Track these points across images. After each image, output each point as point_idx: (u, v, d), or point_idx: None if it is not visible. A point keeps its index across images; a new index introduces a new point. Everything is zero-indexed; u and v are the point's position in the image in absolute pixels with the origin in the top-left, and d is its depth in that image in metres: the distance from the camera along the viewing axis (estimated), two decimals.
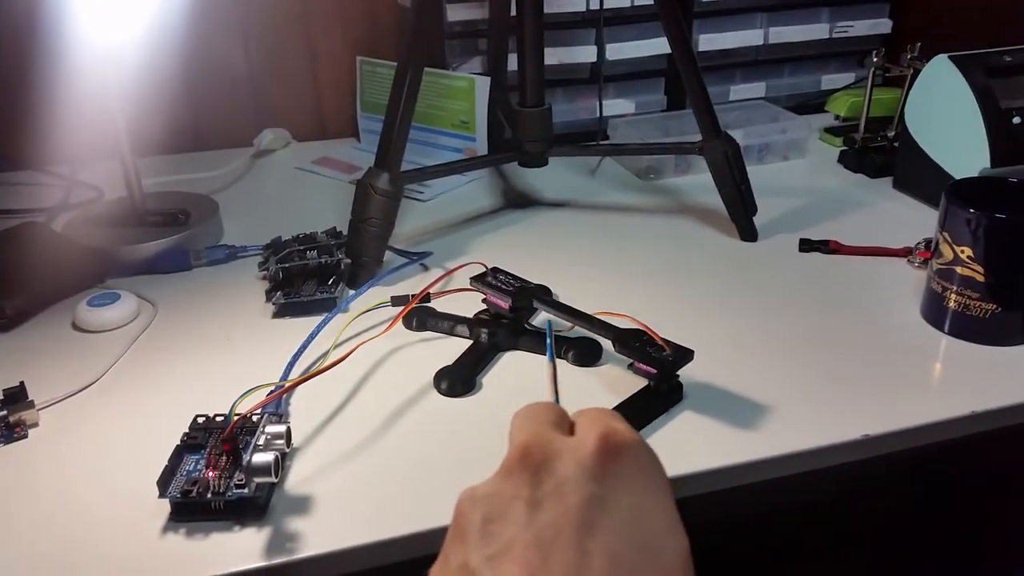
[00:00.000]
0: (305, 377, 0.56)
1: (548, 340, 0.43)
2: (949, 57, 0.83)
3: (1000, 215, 0.61)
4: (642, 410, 0.57)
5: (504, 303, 0.64)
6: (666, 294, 0.72)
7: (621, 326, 0.60)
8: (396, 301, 0.68)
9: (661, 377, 0.57)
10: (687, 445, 0.54)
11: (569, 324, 0.63)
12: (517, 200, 0.94)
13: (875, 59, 0.94)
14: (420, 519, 0.48)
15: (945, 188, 0.65)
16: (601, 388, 0.60)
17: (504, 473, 0.31)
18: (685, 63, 0.77)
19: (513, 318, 0.66)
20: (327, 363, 0.56)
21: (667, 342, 0.58)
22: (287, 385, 0.56)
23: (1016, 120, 0.81)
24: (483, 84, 0.98)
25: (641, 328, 0.59)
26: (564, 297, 0.71)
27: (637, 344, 0.58)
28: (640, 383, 0.59)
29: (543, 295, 0.66)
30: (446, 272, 0.74)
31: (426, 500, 0.50)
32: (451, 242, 0.83)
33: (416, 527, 0.48)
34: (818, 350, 0.64)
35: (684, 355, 0.57)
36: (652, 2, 0.76)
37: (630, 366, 0.60)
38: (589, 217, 0.89)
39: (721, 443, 0.54)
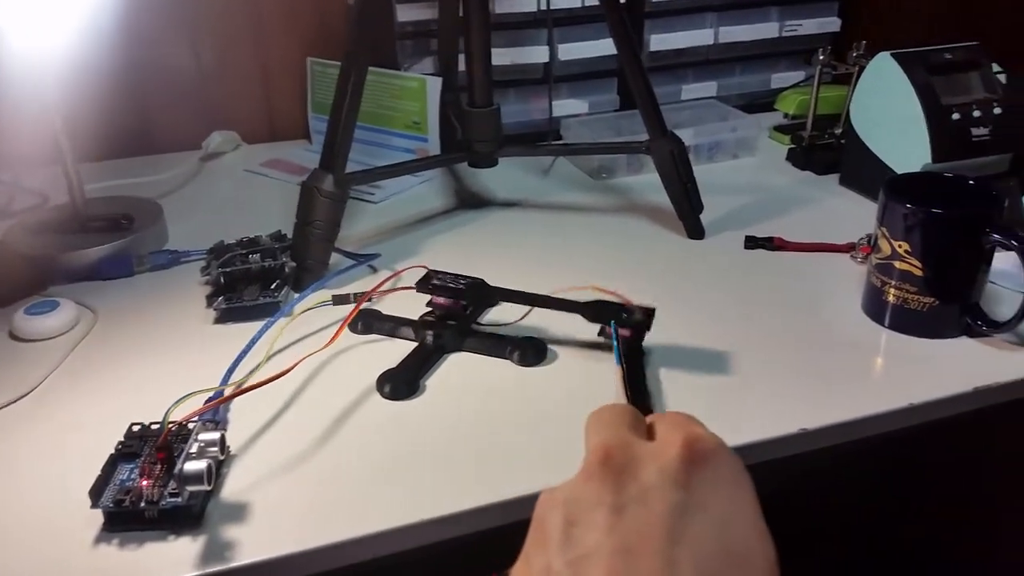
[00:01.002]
0: (243, 389, 0.55)
1: (615, 342, 0.43)
2: (891, 55, 0.85)
3: (936, 209, 0.62)
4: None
5: (454, 302, 0.64)
6: (614, 290, 0.72)
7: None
8: (337, 300, 0.67)
9: (636, 336, 0.59)
10: None
11: (520, 315, 0.63)
12: (470, 200, 0.94)
13: (821, 57, 0.95)
14: (359, 525, 0.48)
15: (883, 184, 0.65)
16: (549, 386, 0.60)
17: (585, 476, 0.30)
18: (630, 63, 0.77)
19: (460, 319, 0.66)
20: (270, 375, 0.55)
21: (632, 305, 0.60)
22: (225, 395, 0.55)
23: (956, 116, 0.82)
24: (434, 84, 0.98)
25: (606, 297, 0.59)
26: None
27: (605, 312, 0.60)
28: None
29: (494, 289, 0.66)
30: (393, 274, 0.73)
31: (366, 505, 0.49)
32: (402, 243, 0.83)
33: (354, 533, 0.47)
34: (761, 346, 0.64)
35: (650, 313, 0.60)
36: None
37: (600, 333, 0.61)
38: (541, 217, 0.89)
39: None
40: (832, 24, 1.15)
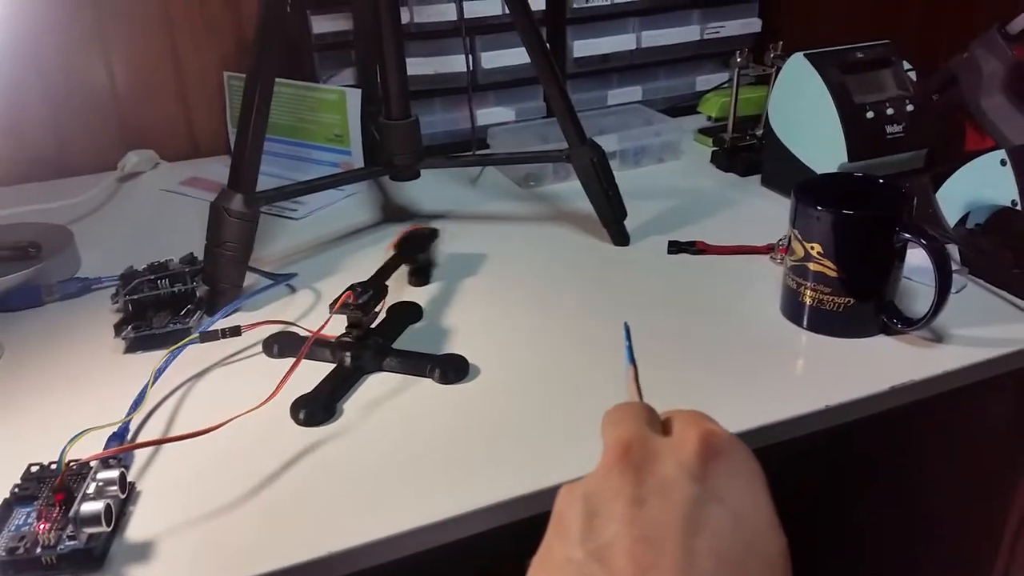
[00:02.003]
0: (158, 440, 0.53)
1: (627, 343, 0.43)
2: (805, 55, 0.86)
3: (846, 211, 0.62)
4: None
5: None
6: (536, 303, 0.72)
7: None
8: (204, 337, 0.65)
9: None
10: (544, 465, 0.53)
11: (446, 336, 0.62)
12: (396, 214, 0.93)
13: (739, 59, 0.96)
14: (271, 560, 0.46)
15: (793, 187, 0.66)
16: (471, 404, 0.59)
17: (605, 470, 0.31)
18: (544, 72, 0.77)
19: (379, 339, 0.65)
20: (195, 430, 0.52)
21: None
22: (132, 443, 0.53)
23: (870, 115, 0.83)
24: (354, 96, 0.97)
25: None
26: (437, 310, 0.71)
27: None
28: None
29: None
30: (329, 317, 0.72)
31: (281, 538, 0.48)
32: (325, 260, 0.81)
33: (269, 567, 0.46)
34: (682, 351, 0.64)
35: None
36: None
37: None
38: (468, 227, 0.88)
39: (582, 439, 0.53)
40: (753, 25, 1.17)
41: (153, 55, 1.05)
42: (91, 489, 0.46)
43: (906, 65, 0.89)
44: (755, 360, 0.63)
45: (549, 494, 0.50)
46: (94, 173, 1.03)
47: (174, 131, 1.09)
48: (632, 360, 0.42)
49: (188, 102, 1.09)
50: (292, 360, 0.64)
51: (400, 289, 0.75)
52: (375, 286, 0.65)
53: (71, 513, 0.44)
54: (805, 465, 0.72)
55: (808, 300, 0.66)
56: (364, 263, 0.80)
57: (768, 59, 0.97)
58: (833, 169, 0.83)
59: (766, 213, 0.88)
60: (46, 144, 1.03)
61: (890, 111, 0.84)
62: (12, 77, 0.98)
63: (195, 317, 0.67)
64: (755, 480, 0.32)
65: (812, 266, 0.64)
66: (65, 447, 0.48)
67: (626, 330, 0.47)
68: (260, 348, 0.66)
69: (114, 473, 0.47)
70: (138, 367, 0.64)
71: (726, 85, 1.13)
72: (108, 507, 0.44)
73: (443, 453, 0.54)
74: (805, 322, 0.67)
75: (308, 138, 1.01)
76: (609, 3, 1.07)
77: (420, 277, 0.76)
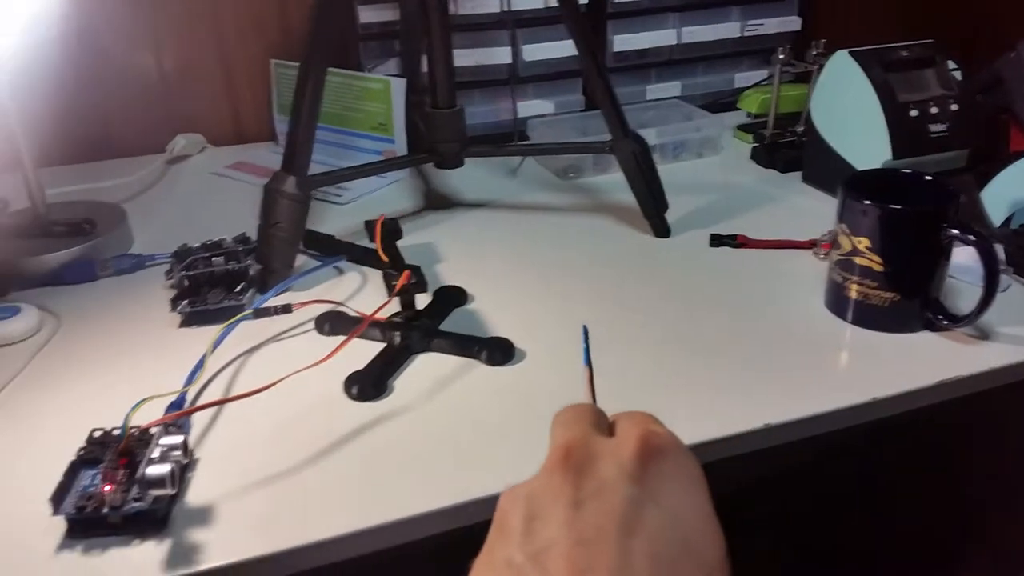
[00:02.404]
0: (219, 400, 0.55)
1: (584, 344, 0.43)
2: (849, 52, 0.86)
3: (894, 206, 0.63)
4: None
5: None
6: (581, 291, 0.73)
7: None
8: (258, 313, 0.66)
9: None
10: None
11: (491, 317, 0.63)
12: (437, 202, 0.94)
13: (781, 56, 0.96)
14: (325, 527, 0.47)
15: (842, 181, 0.66)
16: (516, 386, 0.60)
17: (547, 473, 0.32)
18: (590, 65, 0.78)
19: (427, 320, 0.66)
20: (253, 388, 0.54)
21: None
22: (200, 404, 0.55)
23: (914, 113, 0.83)
24: (399, 86, 0.98)
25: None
26: (480, 295, 0.72)
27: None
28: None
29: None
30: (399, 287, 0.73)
31: (333, 509, 0.49)
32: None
33: (322, 535, 0.47)
34: (725, 342, 0.65)
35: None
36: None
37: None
38: (509, 217, 0.89)
39: None
40: (793, 23, 1.17)
41: (201, 43, 1.07)
42: (156, 453, 0.47)
43: (951, 65, 0.89)
44: (800, 352, 0.64)
45: None
46: (142, 155, 1.05)
47: (220, 117, 1.11)
48: (588, 362, 0.42)
49: (234, 89, 1.10)
50: (342, 338, 0.65)
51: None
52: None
53: (138, 475, 0.46)
54: (846, 460, 0.72)
55: (854, 294, 0.66)
56: (407, 248, 0.81)
57: (810, 56, 0.97)
58: (877, 167, 0.83)
59: (807, 209, 0.88)
60: (97, 126, 1.06)
61: (934, 110, 0.85)
62: (67, 62, 1.00)
63: (248, 295, 0.69)
64: (695, 482, 0.32)
65: (859, 260, 0.65)
66: (129, 413, 0.50)
67: (584, 333, 0.47)
68: (310, 327, 0.68)
69: (178, 438, 0.48)
70: (192, 341, 0.65)
71: (766, 82, 1.14)
72: (173, 470, 0.45)
73: (489, 432, 0.55)
74: (850, 316, 0.67)
75: (352, 126, 1.02)
76: None
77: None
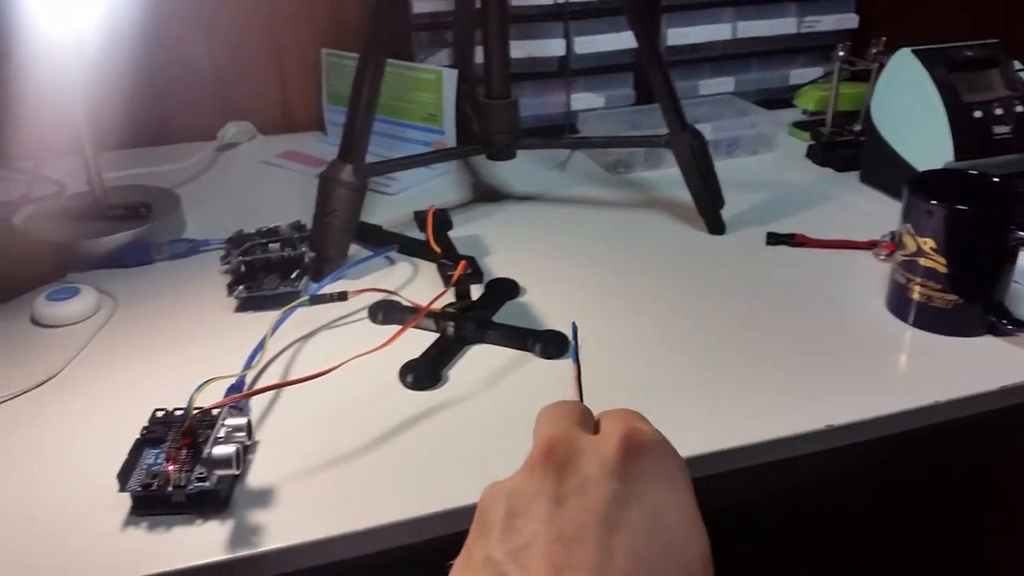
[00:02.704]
0: (280, 383, 0.55)
1: (573, 342, 0.43)
2: (912, 51, 0.84)
3: (961, 206, 0.61)
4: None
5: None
6: (634, 286, 0.72)
7: None
8: (314, 300, 0.67)
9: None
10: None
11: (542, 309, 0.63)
12: (486, 194, 0.94)
13: (840, 53, 0.95)
14: (383, 513, 0.48)
15: (907, 180, 0.65)
16: (569, 379, 0.60)
17: (528, 469, 0.31)
18: (650, 57, 0.77)
19: (481, 312, 0.66)
20: (313, 372, 0.54)
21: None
22: (257, 388, 0.55)
23: (978, 114, 0.82)
24: (450, 76, 0.98)
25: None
26: (531, 288, 0.72)
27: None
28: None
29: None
30: (454, 279, 0.73)
31: (389, 494, 0.49)
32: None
33: (378, 521, 0.47)
34: (784, 341, 0.64)
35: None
36: None
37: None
38: (559, 211, 0.89)
39: (684, 434, 0.54)
40: (850, 20, 1.15)
41: (254, 31, 1.08)
42: (221, 433, 0.48)
43: (1017, 65, 0.87)
44: (861, 354, 0.63)
45: None
46: (192, 142, 1.06)
47: (270, 105, 1.12)
48: (576, 359, 0.42)
49: (284, 78, 1.11)
50: (395, 327, 0.65)
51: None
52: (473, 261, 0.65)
53: (204, 455, 0.46)
54: (904, 465, 0.71)
55: (916, 296, 0.65)
56: (456, 240, 0.81)
57: (869, 55, 0.95)
58: (937, 167, 0.81)
59: (864, 209, 0.86)
60: (149, 114, 1.07)
61: (998, 111, 0.83)
62: (122, 50, 1.01)
63: (302, 282, 0.69)
64: (678, 479, 0.32)
65: (923, 261, 0.63)
66: (193, 394, 0.50)
67: (573, 330, 0.47)
68: (363, 315, 0.68)
69: (242, 420, 0.48)
70: (247, 325, 0.66)
71: (823, 79, 1.12)
72: (238, 451, 0.46)
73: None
74: (911, 318, 0.66)
75: (402, 117, 1.03)
76: None
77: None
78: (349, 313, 0.68)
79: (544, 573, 0.27)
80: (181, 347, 0.64)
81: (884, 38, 0.95)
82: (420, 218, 0.75)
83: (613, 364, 0.61)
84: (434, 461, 0.52)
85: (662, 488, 0.31)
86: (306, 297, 0.66)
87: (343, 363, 0.55)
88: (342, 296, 0.66)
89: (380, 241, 0.78)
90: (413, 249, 0.78)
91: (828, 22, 1.14)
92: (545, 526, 0.29)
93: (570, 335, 0.46)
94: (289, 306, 0.63)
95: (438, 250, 0.70)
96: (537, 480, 0.30)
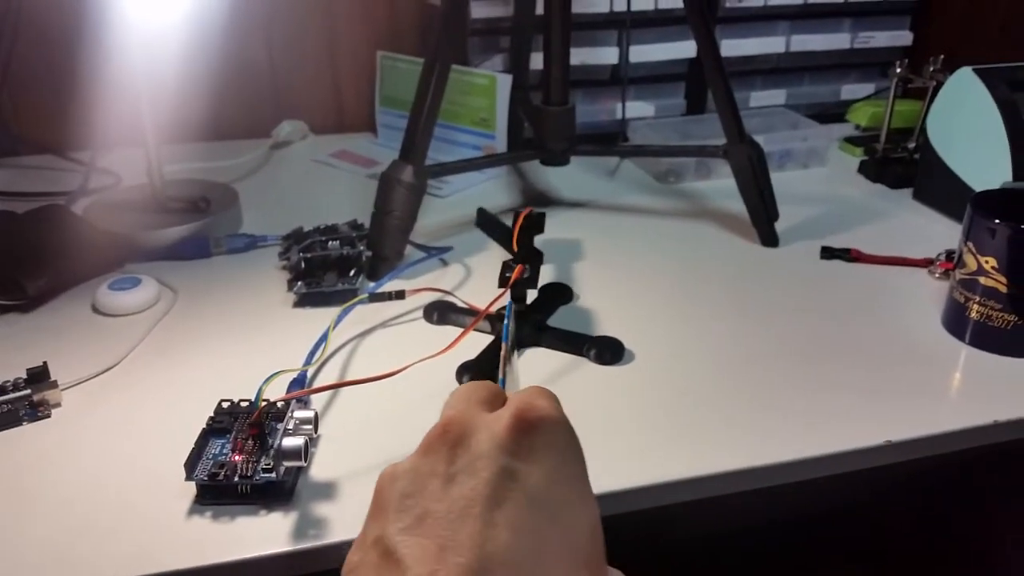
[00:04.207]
0: (349, 381, 0.55)
1: (506, 322, 0.44)
2: (973, 70, 0.83)
3: None
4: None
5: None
6: (685, 296, 0.72)
7: None
8: (373, 298, 0.67)
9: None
10: (703, 450, 0.54)
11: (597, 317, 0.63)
12: (535, 199, 0.94)
13: (898, 70, 0.94)
14: None
15: (970, 198, 0.65)
16: (625, 386, 0.60)
17: (423, 450, 0.32)
18: (712, 66, 0.77)
19: (536, 315, 0.66)
20: (380, 373, 0.54)
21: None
22: (322, 386, 0.56)
23: None
24: (504, 82, 0.98)
25: None
26: (583, 294, 0.72)
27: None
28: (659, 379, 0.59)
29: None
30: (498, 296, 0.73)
31: None
32: (470, 238, 0.83)
33: None
34: (840, 355, 0.64)
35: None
36: (674, 5, 0.76)
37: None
38: (609, 218, 0.89)
39: (738, 448, 0.54)
40: (904, 38, 1.14)
41: (311, 31, 1.09)
42: (290, 426, 0.48)
43: None
44: (917, 371, 0.62)
45: (699, 482, 0.51)
46: (245, 139, 1.08)
47: (323, 105, 1.13)
48: (506, 339, 0.42)
49: (338, 78, 1.13)
50: (449, 328, 0.66)
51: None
52: (533, 266, 0.66)
53: (274, 446, 0.47)
54: (959, 483, 0.70)
55: (975, 315, 0.64)
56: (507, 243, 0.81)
57: (927, 72, 0.95)
58: (994, 187, 0.80)
59: (918, 227, 0.86)
60: (204, 109, 1.08)
61: None
62: (183, 47, 1.02)
63: (360, 279, 0.70)
64: (568, 454, 0.32)
65: (984, 280, 0.63)
66: (262, 386, 0.51)
67: (508, 309, 0.47)
68: (417, 315, 0.68)
69: (309, 413, 0.49)
70: (305, 321, 0.67)
71: (876, 95, 1.11)
72: (306, 443, 0.46)
73: (597, 431, 0.55)
74: (968, 337, 0.65)
75: (453, 120, 1.03)
76: (761, 4, 1.06)
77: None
78: (404, 312, 0.69)
79: (430, 550, 0.28)
80: (240, 340, 0.65)
81: (942, 56, 0.95)
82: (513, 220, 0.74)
83: (664, 373, 0.61)
84: None
85: (552, 463, 0.31)
86: (365, 295, 0.66)
87: (409, 366, 0.55)
88: (400, 295, 0.67)
89: (498, 233, 0.79)
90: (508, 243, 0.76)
91: (882, 39, 1.13)
92: (435, 504, 0.29)
93: (506, 318, 0.47)
94: (350, 303, 0.64)
95: (515, 249, 0.70)
96: (431, 460, 0.31)
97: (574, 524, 0.30)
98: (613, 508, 0.50)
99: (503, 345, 0.41)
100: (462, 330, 0.66)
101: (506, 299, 0.65)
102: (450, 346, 0.57)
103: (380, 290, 0.68)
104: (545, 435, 0.32)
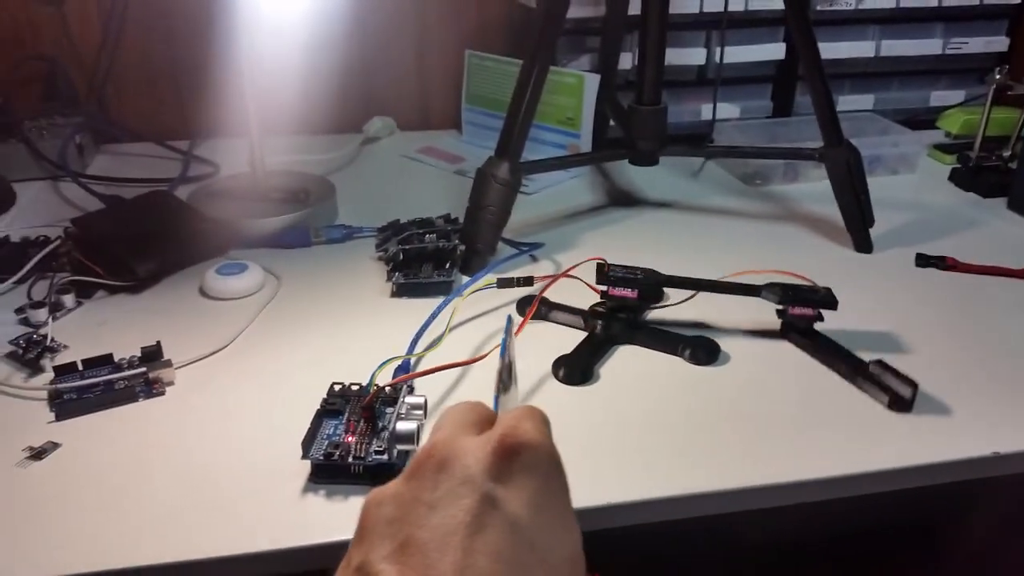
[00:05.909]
0: (454, 363, 0.57)
1: (504, 337, 0.44)
2: None
3: None
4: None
5: (630, 292, 0.65)
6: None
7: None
8: (501, 283, 0.69)
9: (817, 316, 0.64)
10: (811, 460, 0.54)
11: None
12: (620, 198, 0.95)
13: (998, 76, 0.93)
14: None
15: None
16: (720, 386, 0.61)
17: (409, 474, 0.32)
18: (812, 69, 0.77)
19: (629, 312, 0.67)
20: (478, 355, 0.57)
21: (815, 286, 0.64)
22: (428, 369, 0.57)
23: None
24: (592, 81, 0.99)
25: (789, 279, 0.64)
26: (673, 296, 0.72)
27: (790, 292, 0.64)
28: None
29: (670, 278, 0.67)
30: (566, 270, 0.75)
31: None
32: (558, 236, 0.84)
33: None
34: (946, 365, 0.63)
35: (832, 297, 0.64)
36: (767, 7, 0.76)
37: (780, 313, 0.65)
38: (696, 219, 0.89)
39: (822, 456, 0.54)
40: (999, 43, 1.12)
41: (402, 29, 1.11)
42: (402, 410, 0.50)
43: None
44: (1019, 383, 0.61)
45: (780, 490, 0.51)
46: (335, 133, 1.11)
47: (410, 102, 1.15)
48: (504, 354, 0.42)
49: (426, 76, 1.15)
50: (541, 322, 0.67)
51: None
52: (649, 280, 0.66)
53: (389, 429, 0.49)
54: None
55: None
56: (594, 242, 0.82)
57: None
58: None
59: (1014, 237, 0.84)
60: (297, 102, 1.11)
61: None
62: (287, 44, 1.06)
63: (454, 272, 0.72)
64: (551, 479, 0.32)
65: None
66: (375, 371, 0.53)
67: (508, 323, 0.47)
68: (511, 309, 0.69)
69: (419, 399, 0.51)
70: (403, 310, 0.69)
71: (968, 103, 1.09)
72: (419, 427, 0.48)
73: (687, 431, 0.56)
74: None
75: (540, 119, 1.04)
76: (852, 7, 1.05)
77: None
78: (497, 306, 0.70)
79: None
80: (341, 326, 0.67)
81: None
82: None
83: (757, 380, 0.62)
84: (586, 454, 0.53)
85: (534, 489, 0.31)
86: (494, 279, 0.68)
87: (487, 354, 0.56)
88: (528, 281, 0.68)
89: None
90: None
91: (975, 44, 1.11)
92: (418, 531, 0.29)
93: (505, 332, 0.47)
94: (476, 287, 0.66)
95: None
96: (415, 485, 0.31)
97: (554, 550, 0.31)
98: (725, 507, 0.51)
99: (501, 360, 0.41)
100: (554, 324, 0.67)
101: (596, 297, 0.66)
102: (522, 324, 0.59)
103: (511, 274, 0.70)
104: (527, 460, 0.32)
